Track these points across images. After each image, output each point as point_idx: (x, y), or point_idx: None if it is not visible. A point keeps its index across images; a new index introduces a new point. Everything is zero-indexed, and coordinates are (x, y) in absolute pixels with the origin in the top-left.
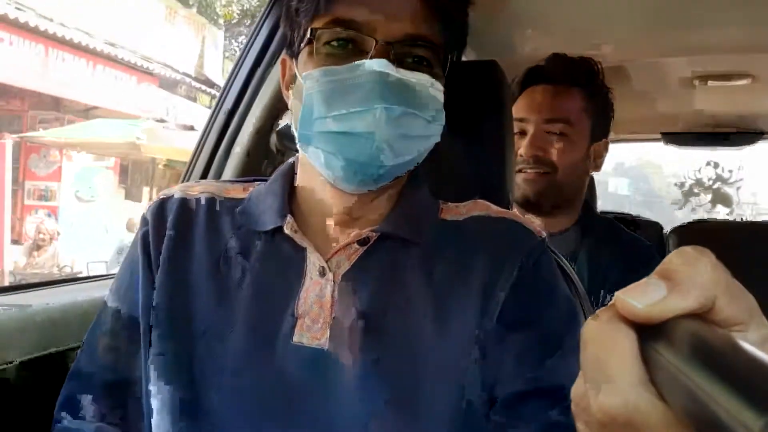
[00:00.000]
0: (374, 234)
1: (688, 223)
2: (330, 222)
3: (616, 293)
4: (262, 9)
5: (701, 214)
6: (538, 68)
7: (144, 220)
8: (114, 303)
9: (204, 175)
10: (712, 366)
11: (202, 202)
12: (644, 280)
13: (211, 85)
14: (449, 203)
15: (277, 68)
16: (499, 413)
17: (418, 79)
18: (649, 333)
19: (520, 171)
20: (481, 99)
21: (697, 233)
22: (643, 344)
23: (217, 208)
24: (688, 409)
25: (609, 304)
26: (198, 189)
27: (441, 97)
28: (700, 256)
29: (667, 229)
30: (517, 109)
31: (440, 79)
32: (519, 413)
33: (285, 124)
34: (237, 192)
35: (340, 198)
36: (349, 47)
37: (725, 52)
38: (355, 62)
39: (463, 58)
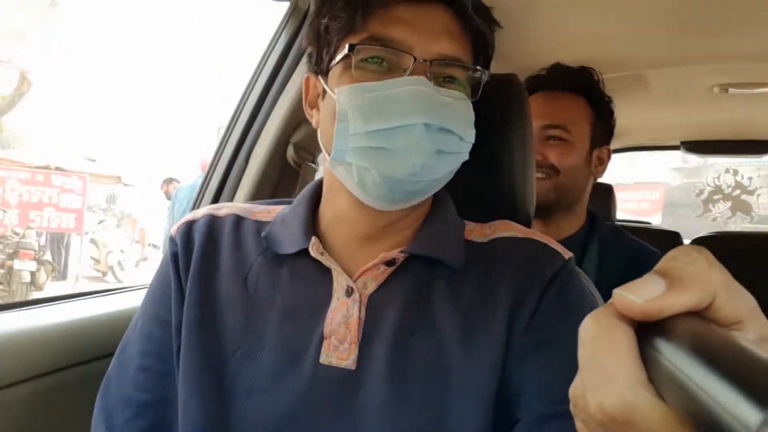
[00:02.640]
0: (402, 255)
1: (709, 234)
2: (356, 242)
3: (615, 290)
4: (278, 23)
5: (720, 223)
6: (539, 77)
7: (172, 241)
8: (146, 322)
9: (220, 189)
10: (710, 364)
11: (229, 223)
12: (643, 276)
13: None
14: (472, 223)
15: (294, 81)
16: None
17: (454, 96)
18: (647, 331)
19: None
20: (502, 112)
21: (717, 244)
22: (641, 342)
23: (244, 229)
24: (687, 408)
25: (608, 302)
26: (225, 211)
27: (472, 115)
28: (699, 254)
29: (686, 240)
30: None
31: (470, 98)
32: None
33: (301, 136)
34: (263, 215)
35: (369, 217)
36: (385, 64)
37: (747, 61)
38: (395, 78)
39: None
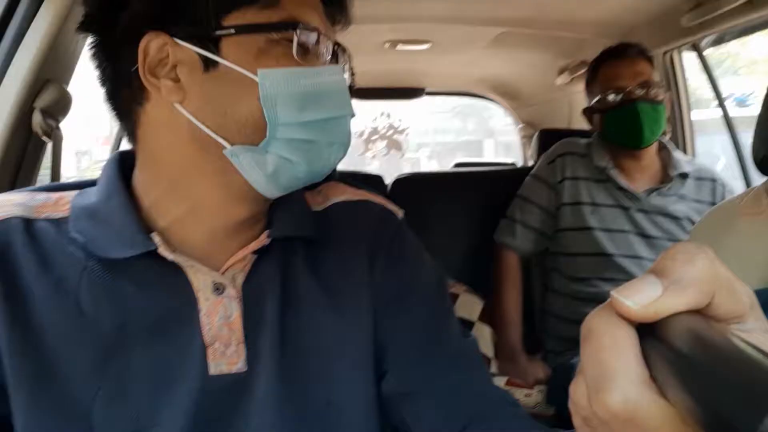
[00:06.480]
0: (268, 240)
1: (402, 176)
2: (220, 234)
3: (612, 292)
4: None
5: (379, 159)
6: None
7: None
8: None
9: None
10: (711, 364)
11: (16, 231)
12: (641, 277)
13: None
14: (305, 190)
15: (33, 33)
16: (393, 384)
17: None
18: (648, 329)
19: None
20: None
21: (411, 183)
22: (642, 340)
23: (41, 236)
24: (689, 405)
25: (608, 301)
26: None
27: None
28: (697, 252)
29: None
30: None
31: None
32: (413, 379)
33: (48, 100)
34: (50, 209)
35: (246, 205)
36: (299, 49)
37: (413, 21)
38: (324, 66)
39: None
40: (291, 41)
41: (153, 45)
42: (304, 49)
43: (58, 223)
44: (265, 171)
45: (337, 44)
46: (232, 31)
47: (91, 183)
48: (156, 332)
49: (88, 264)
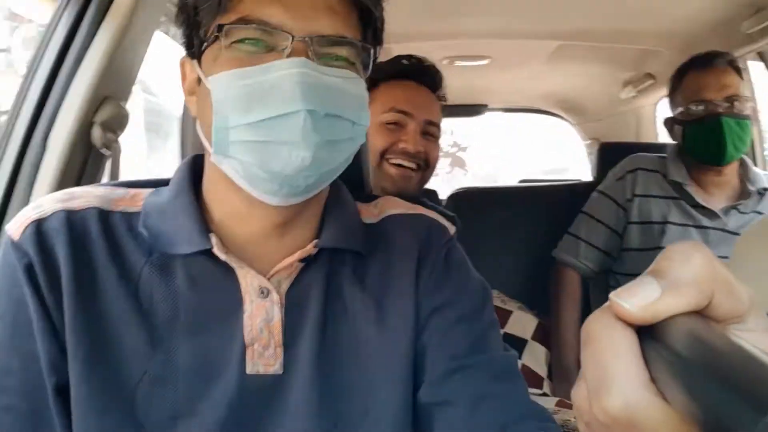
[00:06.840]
0: (316, 249)
1: (459, 190)
2: (259, 239)
3: (611, 295)
4: None
5: (443, 177)
6: (400, 65)
7: (19, 249)
8: None
9: (13, 178)
10: (711, 365)
11: (93, 220)
12: (638, 279)
13: None
14: (359, 203)
15: (93, 51)
16: (428, 394)
17: (343, 76)
18: (648, 331)
19: (393, 163)
20: None
21: (468, 198)
22: (642, 343)
23: (114, 227)
24: (689, 408)
25: (606, 304)
26: (79, 202)
27: (366, 96)
28: (694, 252)
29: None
30: (394, 99)
31: (362, 77)
32: (448, 389)
33: (107, 115)
34: (126, 203)
35: (267, 213)
36: (261, 47)
37: (468, 38)
38: (272, 62)
39: None
40: (238, 44)
41: (186, 68)
42: (247, 47)
43: (131, 217)
44: (242, 175)
45: (316, 38)
46: (205, 44)
47: (166, 182)
48: (202, 327)
49: (151, 257)
